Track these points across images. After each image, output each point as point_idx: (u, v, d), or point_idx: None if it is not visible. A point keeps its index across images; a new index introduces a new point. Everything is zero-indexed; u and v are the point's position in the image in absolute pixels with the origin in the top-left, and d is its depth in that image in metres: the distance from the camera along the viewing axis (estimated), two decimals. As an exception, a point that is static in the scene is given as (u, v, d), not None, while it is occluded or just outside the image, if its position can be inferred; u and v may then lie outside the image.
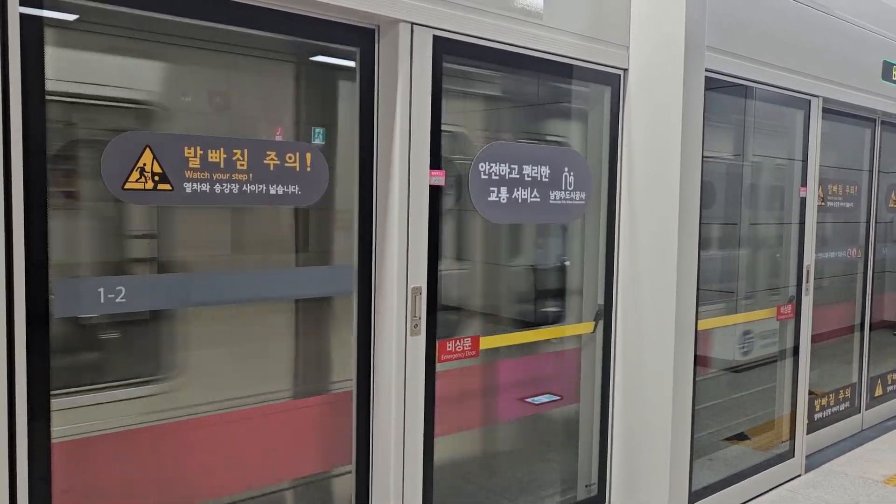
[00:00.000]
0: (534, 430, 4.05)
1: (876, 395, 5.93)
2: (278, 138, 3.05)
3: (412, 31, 2.84)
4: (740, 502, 4.23)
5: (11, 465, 2.15)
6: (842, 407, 5.54)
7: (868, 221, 5.71)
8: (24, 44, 2.10)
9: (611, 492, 3.83)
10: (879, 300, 6.32)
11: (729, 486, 4.18)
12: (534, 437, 4.08)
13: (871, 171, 5.67)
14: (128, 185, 2.31)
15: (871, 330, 5.85)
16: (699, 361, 4.01)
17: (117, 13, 2.37)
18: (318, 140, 3.28)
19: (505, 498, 3.77)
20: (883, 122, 5.69)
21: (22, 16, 2.10)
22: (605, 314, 3.79)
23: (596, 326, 3.80)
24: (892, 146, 5.93)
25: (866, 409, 5.80)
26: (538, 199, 3.38)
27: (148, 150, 2.34)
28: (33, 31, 2.12)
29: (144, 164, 2.33)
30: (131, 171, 2.31)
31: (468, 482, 3.78)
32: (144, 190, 2.34)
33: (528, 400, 3.86)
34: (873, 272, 5.82)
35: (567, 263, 4.07)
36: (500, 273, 4.17)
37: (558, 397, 3.93)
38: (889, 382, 6.09)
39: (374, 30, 2.86)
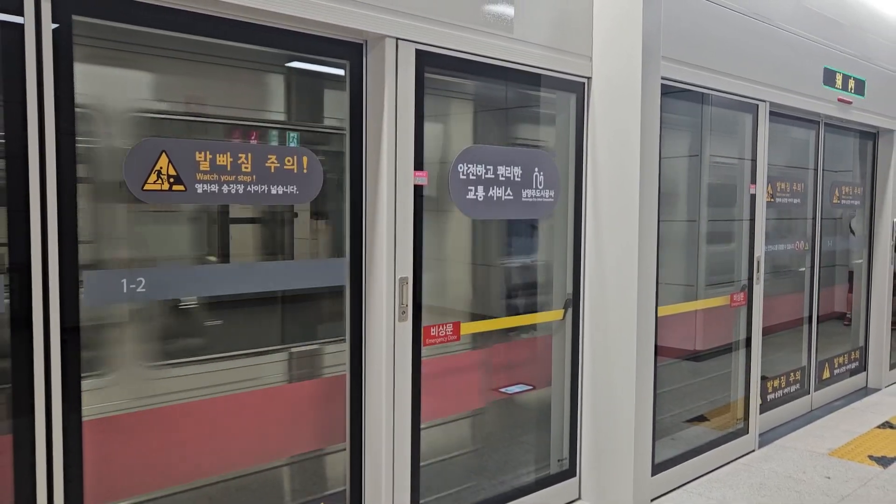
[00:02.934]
0: (510, 408, 4.36)
1: (824, 377, 6.38)
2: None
3: (397, 45, 3.14)
4: (699, 474, 4.59)
5: (49, 442, 2.39)
6: (792, 389, 5.96)
7: (814, 217, 6.14)
8: (56, 49, 2.35)
9: (581, 465, 4.16)
10: (830, 291, 6.79)
11: (689, 459, 4.54)
12: (511, 415, 4.39)
13: (815, 170, 6.11)
14: (147, 187, 2.57)
15: (818, 317, 6.28)
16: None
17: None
18: (292, 144, 3.57)
19: (483, 476, 4.07)
20: (826, 125, 6.13)
21: (55, 21, 2.35)
22: (574, 303, 4.12)
23: (565, 314, 4.13)
24: (835, 146, 6.39)
25: (815, 391, 6.24)
26: (511, 197, 3.70)
27: (164, 154, 2.60)
28: (65, 37, 2.38)
29: (161, 168, 2.59)
30: (150, 174, 2.57)
31: (450, 461, 4.07)
32: (161, 190, 2.60)
33: (503, 390, 4.17)
34: (820, 265, 6.26)
35: (540, 258, 4.39)
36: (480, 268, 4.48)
37: (531, 387, 4.24)
38: (836, 366, 6.55)
39: (362, 44, 3.15)
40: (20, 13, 2.29)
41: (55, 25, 2.36)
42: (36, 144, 2.32)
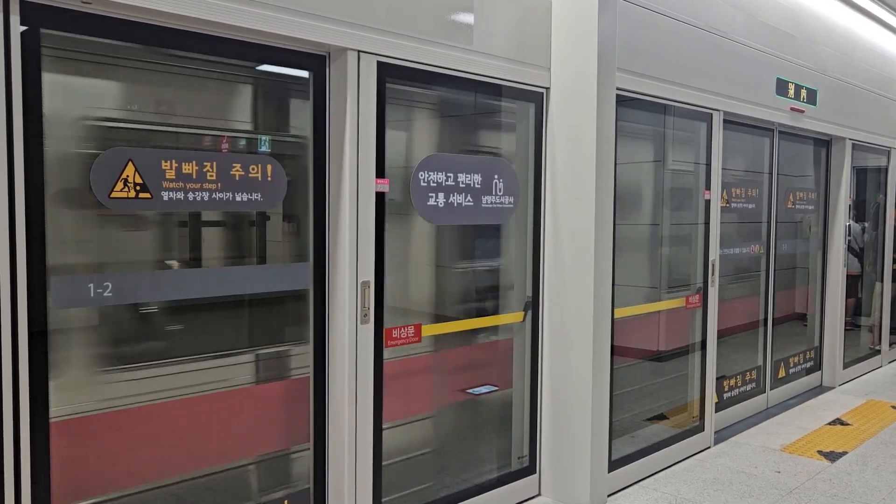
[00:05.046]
0: (473, 407, 4.49)
1: (780, 376, 6.60)
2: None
3: (359, 57, 3.26)
4: (656, 470, 4.76)
5: (16, 443, 2.46)
6: (749, 387, 6.16)
7: (769, 221, 6.36)
8: (24, 61, 2.43)
9: (540, 462, 4.30)
10: (790, 293, 7.02)
11: (646, 456, 4.70)
12: (473, 414, 4.51)
13: (770, 175, 6.33)
14: (113, 194, 2.65)
15: (774, 317, 6.50)
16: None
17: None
18: (263, 148, 3.65)
19: (447, 474, 4.19)
20: (780, 133, 6.36)
21: (23, 34, 2.43)
22: (533, 305, 4.26)
23: (525, 316, 4.27)
24: (789, 154, 6.62)
25: (771, 390, 6.46)
26: (472, 203, 3.83)
27: (130, 163, 2.69)
28: (33, 49, 2.45)
29: (128, 176, 2.68)
30: (116, 182, 2.66)
31: (413, 461, 4.18)
32: (128, 198, 2.69)
33: (469, 391, 4.30)
34: (775, 268, 6.48)
35: (501, 262, 4.53)
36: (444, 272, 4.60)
37: (495, 388, 4.38)
38: (791, 365, 6.77)
39: (325, 56, 3.26)
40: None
41: (24, 28, 2.43)
42: (4, 149, 2.40)
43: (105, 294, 2.67)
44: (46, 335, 2.52)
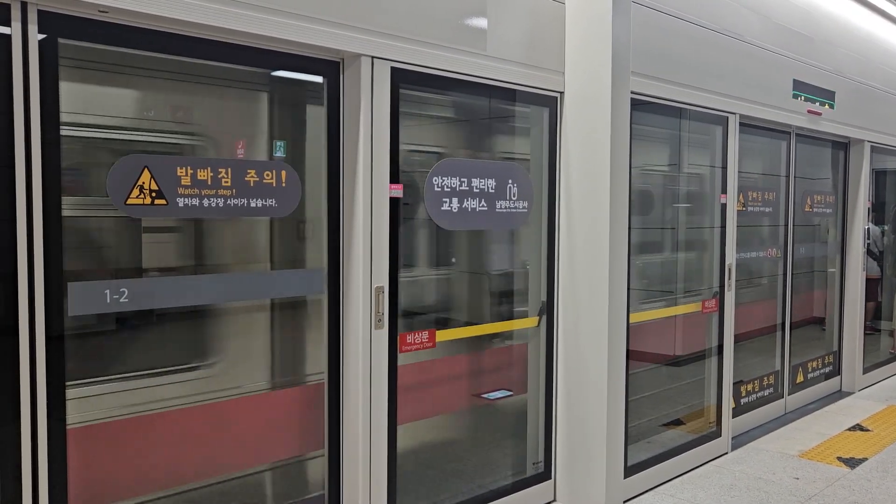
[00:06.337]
0: (488, 412, 4.48)
1: (798, 381, 6.53)
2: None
3: (373, 63, 3.27)
4: (672, 476, 4.72)
5: (34, 446, 2.49)
6: (766, 392, 6.10)
7: (786, 224, 6.30)
8: (42, 69, 2.46)
9: (556, 468, 4.28)
10: (808, 297, 6.94)
11: (662, 462, 4.66)
12: (488, 419, 4.50)
13: (787, 178, 6.27)
14: (129, 201, 2.67)
15: (792, 322, 6.43)
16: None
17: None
18: (279, 153, 3.67)
19: (461, 479, 4.18)
20: (797, 135, 6.30)
21: (41, 43, 2.45)
22: (548, 310, 4.25)
23: (540, 321, 4.25)
24: (807, 156, 6.56)
25: (789, 395, 6.39)
26: (486, 208, 3.82)
27: (146, 170, 2.71)
28: (51, 58, 2.48)
29: (143, 183, 2.70)
30: (132, 189, 2.68)
31: (428, 466, 4.18)
32: (143, 205, 2.71)
33: (485, 395, 4.29)
34: (793, 272, 6.41)
35: (516, 266, 4.52)
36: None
37: (510, 392, 4.37)
38: (809, 370, 6.70)
39: (339, 62, 3.28)
40: (7, 24, 2.40)
41: (42, 36, 2.46)
42: (22, 155, 2.42)
43: (121, 300, 2.69)
44: (63, 340, 2.54)
